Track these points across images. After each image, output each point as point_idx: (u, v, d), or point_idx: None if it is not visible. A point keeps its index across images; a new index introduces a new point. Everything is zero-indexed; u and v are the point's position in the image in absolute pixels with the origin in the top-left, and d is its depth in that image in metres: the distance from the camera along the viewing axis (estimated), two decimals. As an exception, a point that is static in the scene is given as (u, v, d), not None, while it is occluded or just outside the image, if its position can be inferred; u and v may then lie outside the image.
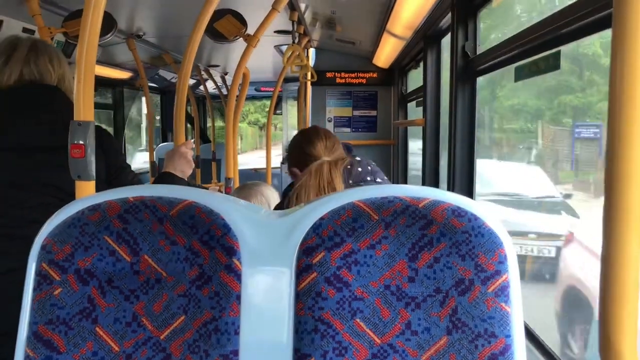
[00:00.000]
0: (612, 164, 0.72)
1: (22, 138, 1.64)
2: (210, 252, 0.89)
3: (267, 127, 4.99)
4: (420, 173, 3.22)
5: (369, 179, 1.55)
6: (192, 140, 7.01)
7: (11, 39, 1.76)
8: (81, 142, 1.22)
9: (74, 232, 0.90)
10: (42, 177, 1.63)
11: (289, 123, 7.26)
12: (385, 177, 1.62)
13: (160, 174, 1.86)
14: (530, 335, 1.66)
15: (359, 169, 1.56)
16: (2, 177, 1.65)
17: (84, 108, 1.23)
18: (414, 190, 0.90)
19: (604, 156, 0.72)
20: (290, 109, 7.21)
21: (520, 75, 1.70)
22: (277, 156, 7.13)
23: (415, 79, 4.17)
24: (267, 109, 6.84)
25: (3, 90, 1.71)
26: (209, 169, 6.13)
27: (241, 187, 2.25)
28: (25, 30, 2.80)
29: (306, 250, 0.88)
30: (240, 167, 4.79)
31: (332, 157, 1.61)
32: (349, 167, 1.55)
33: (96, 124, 1.30)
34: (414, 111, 4.10)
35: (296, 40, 3.39)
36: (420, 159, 3.20)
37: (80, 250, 0.89)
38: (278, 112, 7.38)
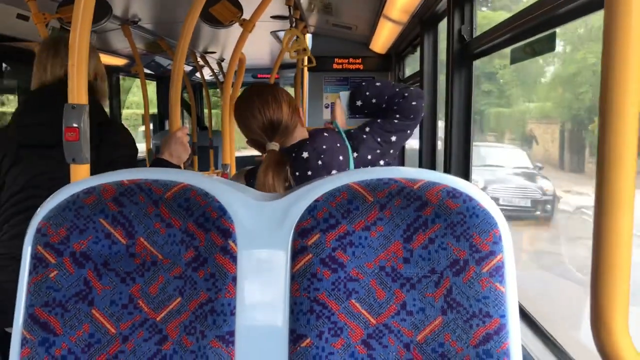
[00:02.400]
0: (603, 151, 0.72)
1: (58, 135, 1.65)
2: (206, 235, 0.89)
3: None
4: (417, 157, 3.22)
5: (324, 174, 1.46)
6: (189, 126, 6.99)
7: (54, 37, 1.85)
8: (75, 125, 1.21)
9: (69, 215, 0.90)
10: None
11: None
12: (340, 159, 1.50)
13: (154, 160, 1.88)
14: (525, 315, 1.67)
15: (309, 173, 1.46)
16: (49, 172, 1.75)
17: (78, 91, 1.23)
18: (409, 172, 0.90)
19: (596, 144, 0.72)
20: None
21: (516, 57, 1.69)
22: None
23: (411, 65, 4.17)
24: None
25: (47, 86, 1.85)
26: (206, 156, 6.12)
27: (238, 174, 2.25)
28: (19, 16, 2.78)
29: (301, 232, 0.88)
30: (238, 154, 4.78)
31: (280, 141, 1.49)
32: (297, 173, 1.46)
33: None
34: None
35: (293, 25, 3.37)
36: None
37: (76, 233, 0.90)
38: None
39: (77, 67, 1.22)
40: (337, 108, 1.67)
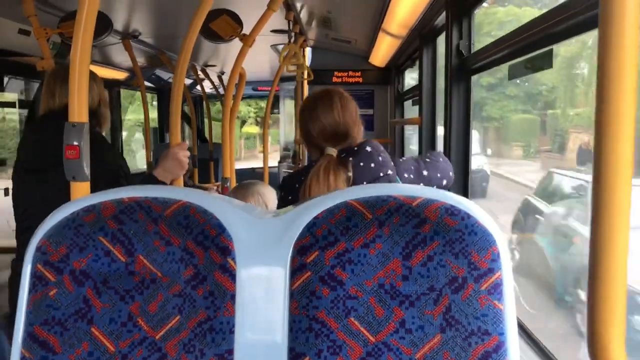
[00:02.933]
0: (600, 154, 0.72)
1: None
2: (205, 252, 0.89)
3: (264, 126, 4.99)
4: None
5: (381, 174, 1.51)
6: (188, 141, 7.01)
7: (65, 65, 1.90)
8: (75, 143, 1.22)
9: (69, 233, 0.90)
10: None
11: (285, 122, 7.25)
12: (392, 163, 1.54)
13: (144, 177, 1.95)
14: (524, 332, 1.66)
15: (372, 165, 1.50)
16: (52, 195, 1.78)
17: (79, 109, 1.23)
18: (407, 189, 0.90)
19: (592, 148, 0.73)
20: (288, 109, 7.21)
21: (513, 73, 1.71)
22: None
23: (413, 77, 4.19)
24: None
25: (53, 111, 1.98)
26: (206, 168, 6.13)
27: (238, 187, 2.25)
28: (21, 31, 2.80)
29: (300, 249, 0.89)
30: (238, 167, 4.78)
31: (339, 147, 1.54)
32: (360, 163, 1.50)
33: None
34: (411, 110, 4.10)
35: (292, 40, 3.39)
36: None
37: (76, 251, 0.90)
38: (275, 111, 7.38)
39: (78, 84, 1.22)
40: None
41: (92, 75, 1.96)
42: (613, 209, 0.69)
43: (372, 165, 1.51)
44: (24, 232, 1.98)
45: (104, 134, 2.12)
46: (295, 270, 0.88)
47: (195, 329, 0.88)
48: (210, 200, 0.92)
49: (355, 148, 1.54)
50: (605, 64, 0.71)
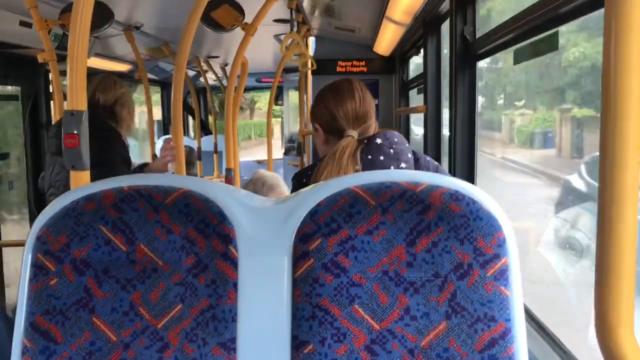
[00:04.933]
0: (606, 153, 0.71)
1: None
2: (206, 240, 0.88)
3: (268, 118, 4.97)
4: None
5: (391, 168, 1.53)
6: (192, 134, 7.00)
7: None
8: (75, 131, 1.21)
9: (69, 222, 0.89)
10: None
11: (290, 113, 7.24)
12: (411, 154, 1.57)
13: (135, 167, 2.28)
14: (531, 317, 1.65)
15: (381, 158, 1.53)
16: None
17: (77, 98, 1.22)
18: (411, 175, 0.89)
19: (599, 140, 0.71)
20: (292, 100, 7.19)
21: (519, 57, 1.68)
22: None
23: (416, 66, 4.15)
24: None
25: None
26: (210, 161, 6.12)
27: (254, 180, 2.22)
28: (22, 23, 2.79)
29: (303, 237, 0.87)
30: (242, 159, 4.78)
31: (359, 129, 1.60)
32: (369, 157, 1.53)
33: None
34: (416, 98, 4.08)
35: (295, 29, 3.36)
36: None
37: (76, 241, 0.89)
38: (279, 102, 7.36)
39: (76, 73, 1.21)
40: None
41: (114, 79, 2.42)
42: (621, 194, 0.67)
43: (381, 158, 1.53)
44: None
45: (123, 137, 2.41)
46: (298, 258, 0.87)
47: (198, 318, 0.87)
48: (211, 188, 0.91)
49: (366, 141, 1.57)
50: (610, 50, 0.69)
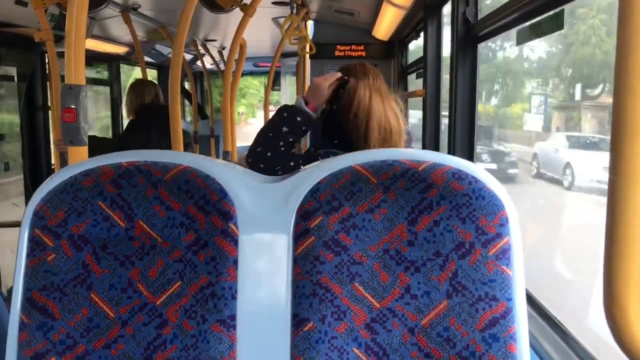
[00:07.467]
0: (618, 138, 0.69)
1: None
2: (206, 217, 0.87)
3: (265, 103, 4.94)
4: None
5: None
6: (189, 118, 6.95)
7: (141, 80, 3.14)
8: (73, 106, 1.19)
9: (67, 198, 0.88)
10: None
11: (287, 99, 7.20)
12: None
13: None
14: (530, 300, 1.65)
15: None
16: None
17: (75, 72, 1.20)
18: (413, 154, 0.88)
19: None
20: (289, 85, 7.14)
21: (522, 38, 1.66)
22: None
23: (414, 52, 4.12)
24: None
25: (146, 105, 2.96)
26: (207, 145, 6.09)
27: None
28: (17, 2, 2.75)
29: (304, 214, 0.87)
30: (239, 145, 4.75)
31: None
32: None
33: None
34: (414, 83, 4.05)
35: (294, 11, 3.33)
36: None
37: (74, 216, 0.88)
38: (276, 87, 7.31)
39: (75, 48, 1.19)
40: None
41: (152, 83, 3.01)
42: (633, 171, 0.65)
43: None
44: None
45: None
46: (299, 236, 0.86)
47: (197, 295, 0.86)
48: (211, 165, 0.90)
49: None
50: (626, 31, 0.66)
